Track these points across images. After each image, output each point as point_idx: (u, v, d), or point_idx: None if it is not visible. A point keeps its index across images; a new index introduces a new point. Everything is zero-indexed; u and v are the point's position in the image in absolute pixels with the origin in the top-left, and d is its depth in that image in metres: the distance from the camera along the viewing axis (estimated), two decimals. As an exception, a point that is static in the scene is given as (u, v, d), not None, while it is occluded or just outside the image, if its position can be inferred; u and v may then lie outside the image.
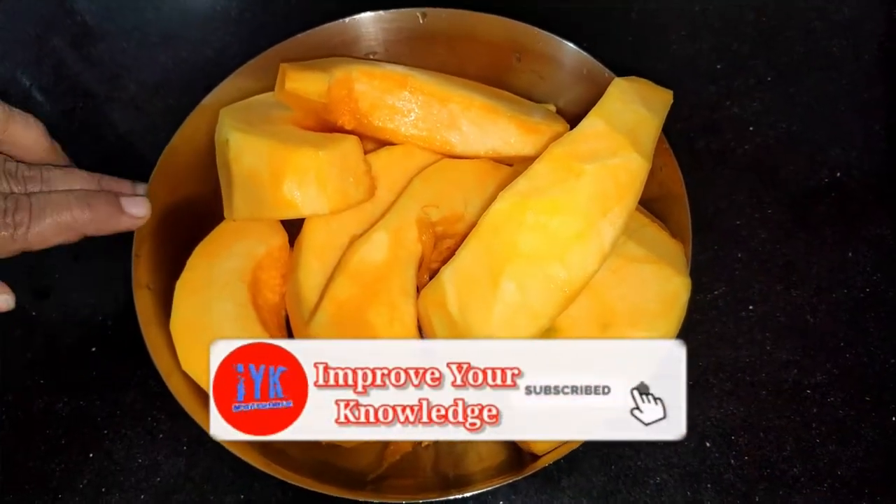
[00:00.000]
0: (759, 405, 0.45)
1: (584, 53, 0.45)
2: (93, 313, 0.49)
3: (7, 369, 0.48)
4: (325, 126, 0.45)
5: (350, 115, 0.45)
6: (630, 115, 0.38)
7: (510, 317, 0.34)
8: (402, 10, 0.47)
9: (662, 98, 0.40)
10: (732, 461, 0.44)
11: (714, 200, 0.52)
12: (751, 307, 0.48)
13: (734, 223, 0.51)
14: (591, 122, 0.37)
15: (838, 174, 0.53)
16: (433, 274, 0.40)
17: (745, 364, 0.47)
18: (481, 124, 0.45)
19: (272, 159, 0.40)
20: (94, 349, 0.48)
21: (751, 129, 0.56)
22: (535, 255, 0.34)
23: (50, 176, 0.35)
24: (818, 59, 0.59)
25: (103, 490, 0.44)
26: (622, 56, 0.60)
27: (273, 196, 0.40)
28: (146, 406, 0.45)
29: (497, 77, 0.49)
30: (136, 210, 0.35)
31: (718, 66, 0.59)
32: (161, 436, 0.39)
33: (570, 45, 0.46)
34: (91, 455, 0.45)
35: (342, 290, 0.40)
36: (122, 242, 0.40)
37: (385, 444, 0.40)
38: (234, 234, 0.44)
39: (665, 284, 0.38)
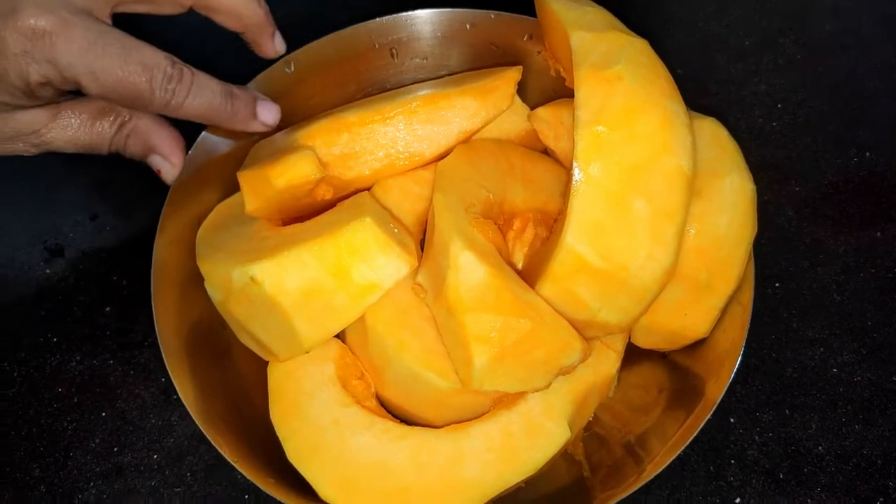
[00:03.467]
0: (784, 382, 0.44)
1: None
2: (107, 272, 0.49)
3: (20, 326, 0.47)
4: (296, 213, 0.41)
5: (325, 182, 0.40)
6: (591, 16, 0.37)
7: (653, 229, 0.33)
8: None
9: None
10: (756, 437, 0.43)
11: (741, 177, 0.51)
12: (777, 284, 0.48)
13: (761, 199, 0.50)
14: (577, 39, 0.36)
15: (867, 153, 0.52)
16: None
17: (770, 341, 0.46)
18: (434, 118, 0.42)
19: (324, 259, 0.35)
20: (108, 308, 0.47)
21: (779, 106, 0.55)
22: (642, 160, 0.33)
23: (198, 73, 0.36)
24: (848, 38, 0.58)
25: (115, 449, 0.43)
26: (649, 31, 0.58)
27: (347, 292, 0.36)
28: (160, 366, 0.44)
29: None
30: (267, 116, 0.38)
31: (747, 43, 0.58)
32: (175, 396, 0.38)
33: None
34: (104, 414, 0.44)
35: (479, 325, 0.33)
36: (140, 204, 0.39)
37: None
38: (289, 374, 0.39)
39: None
